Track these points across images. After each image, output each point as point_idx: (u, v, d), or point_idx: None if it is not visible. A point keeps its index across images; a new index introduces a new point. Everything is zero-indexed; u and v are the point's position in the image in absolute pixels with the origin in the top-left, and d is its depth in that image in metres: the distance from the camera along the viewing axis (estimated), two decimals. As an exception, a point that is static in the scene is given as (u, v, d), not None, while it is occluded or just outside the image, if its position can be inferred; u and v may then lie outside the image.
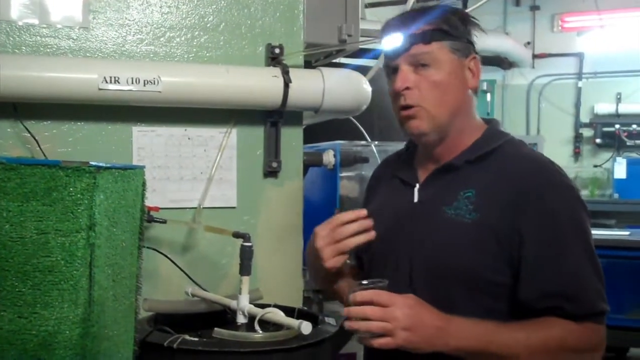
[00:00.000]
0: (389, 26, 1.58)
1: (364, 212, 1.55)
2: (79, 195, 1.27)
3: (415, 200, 1.59)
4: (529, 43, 8.50)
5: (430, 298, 1.43)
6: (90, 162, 1.28)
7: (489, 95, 8.26)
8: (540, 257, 1.43)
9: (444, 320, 1.39)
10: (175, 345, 1.61)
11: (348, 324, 1.39)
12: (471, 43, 1.57)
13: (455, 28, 1.53)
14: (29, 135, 1.99)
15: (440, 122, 1.52)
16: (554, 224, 1.43)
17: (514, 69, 8.44)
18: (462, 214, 1.48)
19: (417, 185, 1.60)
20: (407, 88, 1.52)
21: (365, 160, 2.63)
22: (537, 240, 1.43)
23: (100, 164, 1.30)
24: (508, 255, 1.44)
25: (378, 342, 1.36)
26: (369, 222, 1.54)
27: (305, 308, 2.06)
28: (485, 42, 7.46)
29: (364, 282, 1.43)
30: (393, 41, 1.54)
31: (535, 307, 1.43)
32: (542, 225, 1.43)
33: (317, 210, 2.60)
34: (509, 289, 1.46)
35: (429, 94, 1.51)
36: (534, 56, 8.47)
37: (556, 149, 7.98)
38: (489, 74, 8.28)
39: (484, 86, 8.15)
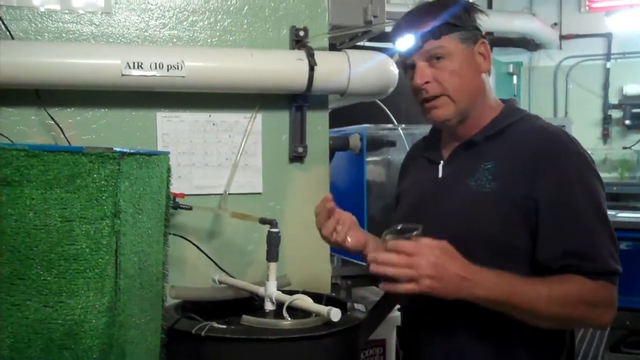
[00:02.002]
0: (400, 26, 1.70)
1: (327, 197, 1.74)
2: (103, 182, 1.25)
3: (440, 175, 1.71)
4: (555, 24, 8.36)
5: None
6: (114, 148, 1.26)
7: (515, 78, 8.17)
8: (555, 219, 1.52)
9: (469, 271, 1.45)
10: (203, 333, 1.59)
11: (374, 268, 1.45)
12: (477, 29, 1.67)
13: (460, 19, 1.64)
14: (52, 122, 1.97)
15: (461, 106, 1.65)
16: (566, 188, 1.53)
17: (541, 50, 8.31)
18: (482, 184, 1.59)
19: (442, 163, 1.72)
20: (427, 82, 1.64)
21: (392, 144, 2.58)
22: (551, 204, 1.52)
23: (124, 150, 1.28)
24: (526, 219, 1.54)
25: (402, 287, 1.42)
26: (331, 205, 1.72)
27: (334, 294, 2.03)
28: (512, 23, 7.37)
29: (398, 226, 1.48)
30: (406, 41, 1.66)
31: (552, 266, 1.52)
32: (555, 189, 1.53)
33: (343, 195, 2.56)
34: (528, 252, 1.55)
35: (448, 84, 1.63)
36: (561, 37, 8.34)
37: (584, 131, 7.87)
38: (515, 55, 8.17)
39: (510, 68, 8.05)
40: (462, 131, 1.69)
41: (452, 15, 1.63)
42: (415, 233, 1.45)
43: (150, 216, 1.42)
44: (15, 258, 1.21)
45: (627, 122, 8.02)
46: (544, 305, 1.47)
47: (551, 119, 7.84)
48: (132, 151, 1.31)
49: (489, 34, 7.47)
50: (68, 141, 1.96)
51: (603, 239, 1.53)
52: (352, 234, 1.76)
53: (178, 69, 1.95)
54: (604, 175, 7.70)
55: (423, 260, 1.41)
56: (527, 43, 7.98)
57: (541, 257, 1.54)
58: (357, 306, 1.85)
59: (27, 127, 1.97)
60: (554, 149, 1.56)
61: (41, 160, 1.22)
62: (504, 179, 1.57)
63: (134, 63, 1.91)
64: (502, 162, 1.59)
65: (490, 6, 8.08)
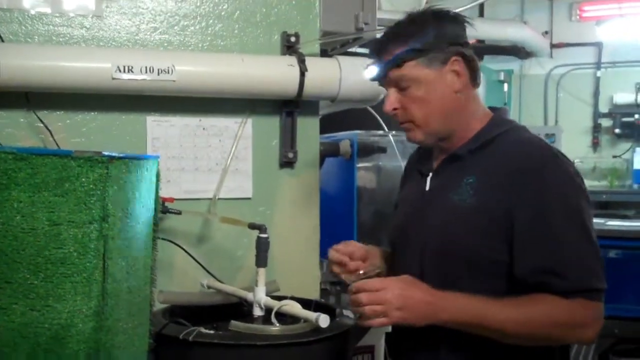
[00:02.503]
0: (369, 54, 1.72)
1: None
2: (91, 186, 1.24)
3: (427, 188, 1.69)
4: (547, 32, 8.39)
5: (437, 278, 1.55)
6: (103, 152, 1.25)
7: (506, 86, 8.17)
8: (531, 235, 1.49)
9: (434, 296, 1.49)
10: (190, 338, 1.59)
11: (351, 309, 1.55)
12: (454, 43, 1.60)
13: (425, 42, 1.58)
14: (42, 125, 1.96)
15: (432, 130, 1.63)
16: (542, 203, 1.49)
17: (532, 58, 8.32)
18: (463, 199, 1.57)
19: (430, 175, 1.70)
20: (395, 108, 1.63)
21: (383, 150, 2.58)
22: (526, 219, 1.49)
23: (113, 154, 1.27)
24: (504, 234, 1.51)
25: (376, 322, 1.49)
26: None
27: (323, 300, 2.03)
28: (503, 31, 7.37)
29: (361, 272, 1.63)
30: (371, 71, 1.67)
31: (528, 283, 1.49)
32: (531, 204, 1.49)
33: (333, 201, 2.56)
34: (507, 267, 1.52)
35: (415, 111, 1.61)
36: (552, 45, 8.36)
37: (574, 139, 7.89)
38: (506, 63, 8.19)
39: (501, 76, 8.07)
40: (449, 144, 1.66)
41: (415, 39, 1.58)
42: (377, 271, 1.62)
43: (138, 220, 1.42)
44: (2, 261, 1.20)
45: (617, 130, 8.03)
46: (513, 327, 1.47)
47: (541, 127, 7.88)
48: (121, 155, 1.30)
49: (480, 41, 7.50)
50: (57, 144, 1.95)
51: (579, 255, 1.49)
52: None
53: (169, 73, 1.94)
54: (594, 183, 7.74)
55: (389, 294, 1.48)
56: (518, 51, 7.99)
57: (517, 273, 1.51)
58: (346, 312, 1.84)
59: (15, 129, 1.96)
60: (534, 163, 1.52)
61: (29, 163, 1.21)
62: (484, 193, 1.54)
63: (124, 67, 1.90)
64: (483, 176, 1.57)
65: (481, 14, 8.10)
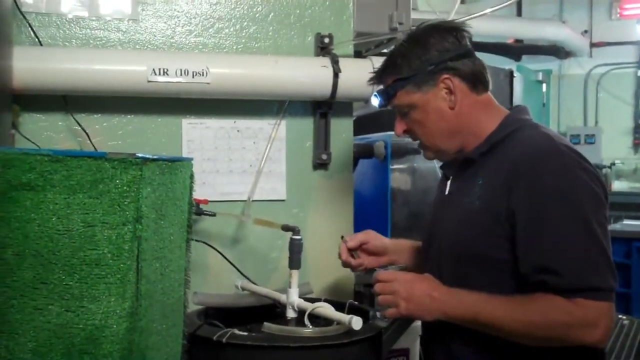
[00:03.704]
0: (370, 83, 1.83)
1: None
2: (125, 188, 1.24)
3: (447, 192, 1.74)
4: (586, 31, 8.27)
5: (453, 278, 1.60)
6: (137, 154, 1.26)
7: (544, 86, 8.07)
8: (530, 233, 1.49)
9: (438, 291, 1.57)
10: (224, 340, 1.59)
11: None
12: (439, 62, 1.62)
13: (409, 67, 1.64)
14: (79, 128, 1.99)
15: (439, 147, 1.69)
16: (540, 201, 1.48)
17: (571, 58, 8.22)
18: (473, 201, 1.60)
19: (450, 179, 1.75)
20: (404, 131, 1.72)
21: (417, 151, 2.56)
22: (525, 217, 1.50)
23: (147, 156, 1.28)
24: (508, 233, 1.52)
25: (387, 313, 1.61)
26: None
27: (356, 303, 2.02)
28: (541, 30, 7.30)
29: (388, 267, 1.73)
30: (374, 102, 1.76)
31: (530, 281, 1.49)
32: (531, 202, 1.49)
33: (367, 202, 2.55)
34: (512, 265, 1.53)
35: (419, 133, 1.69)
36: (592, 45, 8.25)
37: (615, 140, 7.77)
38: (544, 63, 8.09)
39: (540, 76, 7.97)
40: (465, 150, 1.68)
41: (399, 67, 1.65)
42: (392, 267, 1.72)
43: (172, 222, 1.42)
44: (38, 262, 1.21)
45: (659, 131, 7.90)
46: (511, 324, 1.48)
47: (581, 128, 7.77)
48: (154, 157, 1.31)
49: (518, 41, 7.42)
50: (94, 147, 1.98)
51: (581, 252, 1.45)
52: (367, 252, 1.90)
53: (203, 75, 1.96)
54: (635, 185, 7.60)
55: (396, 285, 1.59)
56: (557, 51, 7.90)
57: (521, 271, 1.51)
58: (380, 314, 1.83)
59: (54, 132, 2.00)
60: (532, 160, 1.51)
61: (64, 165, 1.22)
62: (488, 194, 1.56)
63: (159, 69, 1.92)
64: (490, 177, 1.58)
65: (519, 13, 8.02)
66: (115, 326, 1.24)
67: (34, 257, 1.21)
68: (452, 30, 1.65)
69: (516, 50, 7.48)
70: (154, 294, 1.35)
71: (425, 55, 1.63)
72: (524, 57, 7.59)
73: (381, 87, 1.73)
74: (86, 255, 1.22)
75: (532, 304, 1.47)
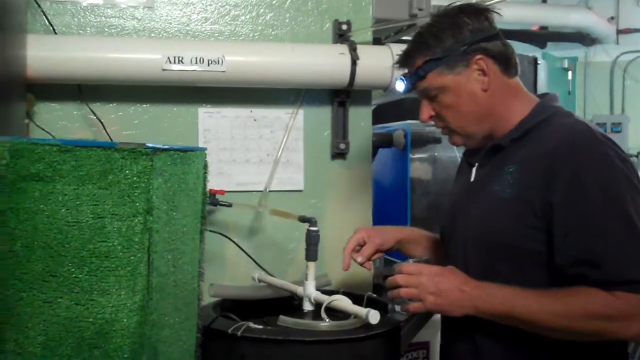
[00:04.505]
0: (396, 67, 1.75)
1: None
2: (135, 178, 1.22)
3: (472, 179, 1.68)
4: (612, 18, 8.11)
5: (479, 268, 1.55)
6: (147, 144, 1.23)
7: (570, 74, 7.93)
8: (568, 224, 1.44)
9: (468, 285, 1.49)
10: (239, 333, 1.57)
11: (388, 294, 1.57)
12: (472, 43, 1.57)
13: (442, 47, 1.58)
14: (94, 117, 1.97)
15: (469, 132, 1.63)
16: (581, 191, 1.44)
17: (597, 45, 8.07)
18: (504, 189, 1.54)
19: (476, 166, 1.69)
20: (431, 117, 1.65)
21: (437, 141, 2.52)
22: (565, 208, 1.44)
23: (158, 146, 1.25)
24: (544, 224, 1.47)
25: (411, 307, 1.53)
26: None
27: (375, 295, 1.98)
28: (567, 17, 7.16)
29: (410, 260, 1.64)
30: (399, 87, 1.69)
31: (567, 274, 1.44)
32: (570, 193, 1.44)
33: (387, 192, 2.51)
34: (546, 256, 1.48)
35: (448, 117, 1.62)
36: (618, 32, 8.08)
37: (642, 128, 7.62)
38: (570, 50, 7.95)
39: (565, 64, 7.84)
40: (493, 136, 1.63)
41: (433, 49, 1.58)
42: (415, 259, 1.64)
43: (185, 213, 1.40)
44: (48, 255, 1.19)
45: (687, 119, 7.74)
46: (548, 318, 1.43)
47: (607, 116, 7.64)
48: (165, 147, 1.28)
49: (543, 28, 7.30)
50: (109, 136, 1.96)
51: (621, 244, 1.40)
52: (370, 247, 1.81)
53: (219, 63, 1.93)
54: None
55: (423, 278, 1.50)
56: (583, 38, 7.76)
57: (557, 264, 1.46)
58: (398, 308, 1.80)
59: (69, 122, 1.98)
60: (571, 149, 1.46)
61: (74, 155, 1.19)
62: (522, 183, 1.51)
63: (174, 58, 1.89)
64: (523, 165, 1.53)
65: (544, 0, 7.90)
66: (125, 320, 1.21)
67: (43, 249, 1.19)
68: (483, 11, 1.61)
69: (541, 37, 7.36)
70: (166, 287, 1.33)
71: (458, 34, 1.58)
72: (549, 44, 7.47)
73: (404, 71, 1.67)
74: (96, 248, 1.20)
75: (572, 297, 1.42)
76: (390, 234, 1.85)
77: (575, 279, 1.42)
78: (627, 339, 1.43)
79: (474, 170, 1.68)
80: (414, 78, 1.62)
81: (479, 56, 1.57)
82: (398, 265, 1.58)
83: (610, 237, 1.41)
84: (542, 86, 4.00)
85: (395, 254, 2.42)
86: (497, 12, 1.61)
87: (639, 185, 1.47)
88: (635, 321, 1.40)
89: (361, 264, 1.80)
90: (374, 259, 1.84)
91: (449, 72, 1.58)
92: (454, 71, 1.58)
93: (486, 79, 1.58)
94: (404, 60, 1.66)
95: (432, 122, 1.68)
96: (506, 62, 1.60)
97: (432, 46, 1.58)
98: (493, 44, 1.58)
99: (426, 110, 1.64)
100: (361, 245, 1.81)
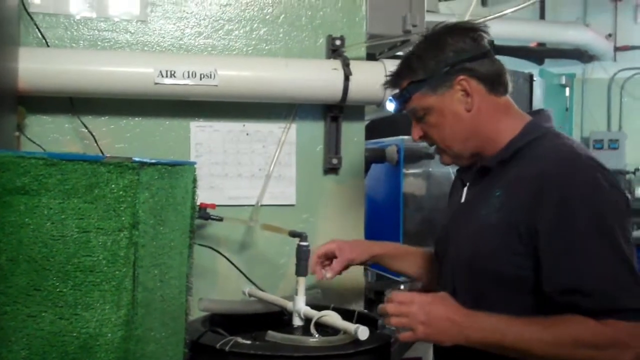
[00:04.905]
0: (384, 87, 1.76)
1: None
2: (121, 193, 1.21)
3: (462, 200, 1.68)
4: (610, 35, 8.14)
5: (467, 292, 1.54)
6: (134, 158, 1.22)
7: (567, 90, 7.95)
8: (555, 251, 1.42)
9: (459, 314, 1.46)
10: (227, 348, 1.55)
11: (384, 321, 1.54)
12: (454, 64, 1.57)
13: (424, 69, 1.59)
14: (86, 130, 1.97)
15: (455, 151, 1.63)
16: (567, 218, 1.42)
17: (595, 62, 8.09)
18: (490, 214, 1.53)
19: (467, 186, 1.68)
20: (420, 137, 1.67)
21: (430, 156, 2.50)
22: (552, 235, 1.43)
23: (145, 160, 1.25)
24: (529, 250, 1.46)
25: (402, 336, 1.49)
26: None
27: (366, 311, 1.97)
28: (564, 34, 7.17)
29: (401, 286, 1.65)
30: (389, 107, 1.74)
31: (557, 301, 1.43)
32: (556, 219, 1.42)
33: (380, 207, 2.50)
34: (532, 283, 1.47)
35: (435, 137, 1.64)
36: (616, 49, 8.09)
37: (639, 145, 7.62)
38: (567, 67, 7.97)
39: (563, 80, 7.86)
40: (483, 156, 1.62)
41: (415, 70, 1.60)
42: (407, 286, 1.67)
43: (173, 227, 1.39)
44: (32, 268, 1.18)
45: (685, 136, 7.74)
46: (539, 347, 1.40)
47: (604, 133, 7.64)
48: (152, 161, 1.28)
49: (541, 44, 7.33)
50: (101, 150, 1.96)
51: (609, 272, 1.39)
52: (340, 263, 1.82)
53: (211, 77, 1.93)
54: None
55: (414, 308, 1.46)
56: (581, 55, 7.77)
57: (545, 290, 1.44)
58: (394, 336, 1.79)
59: (60, 134, 1.98)
60: (559, 174, 1.44)
61: (59, 169, 1.19)
62: (508, 208, 1.49)
63: (166, 71, 1.90)
64: (509, 189, 1.51)
65: (542, 16, 7.92)
66: (110, 334, 1.21)
67: (27, 263, 1.19)
68: (469, 31, 1.60)
69: (538, 53, 7.38)
70: (152, 302, 1.32)
71: (440, 56, 1.58)
72: (547, 60, 7.49)
73: (396, 91, 1.67)
74: (80, 262, 1.19)
75: (561, 326, 1.40)
76: (364, 248, 1.86)
77: (564, 307, 1.40)
78: None
79: (465, 190, 1.68)
80: (401, 100, 1.64)
81: (461, 77, 1.56)
82: (390, 292, 1.56)
83: (599, 264, 1.40)
84: (538, 103, 4.00)
85: (383, 269, 2.42)
86: (484, 31, 1.60)
87: (625, 209, 1.46)
88: (626, 349, 1.38)
89: (329, 279, 1.82)
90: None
91: (432, 94, 1.58)
92: (437, 92, 1.58)
93: (469, 99, 1.57)
94: (392, 81, 1.68)
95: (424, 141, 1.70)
96: (493, 82, 1.58)
97: (415, 68, 1.60)
98: (478, 64, 1.57)
99: (416, 130, 1.66)
100: (330, 258, 1.82)
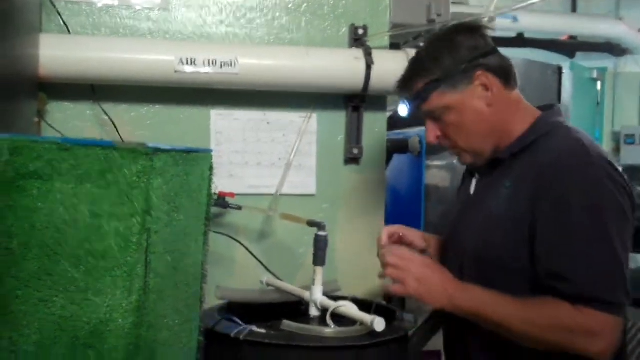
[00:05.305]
0: (396, 92, 1.76)
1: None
2: (134, 178, 1.20)
3: (472, 192, 1.69)
4: (643, 29, 7.99)
5: (474, 281, 1.55)
6: (148, 144, 1.22)
7: (599, 84, 7.83)
8: (547, 240, 1.45)
9: (452, 283, 1.54)
10: (242, 337, 1.55)
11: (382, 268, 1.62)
12: (471, 60, 1.57)
13: (441, 67, 1.57)
14: (107, 118, 1.97)
15: (476, 148, 1.62)
16: (564, 210, 1.44)
17: (627, 56, 7.94)
18: (499, 205, 1.55)
19: (476, 178, 1.70)
20: (437, 137, 1.64)
21: (454, 148, 2.48)
22: (546, 225, 1.45)
23: (159, 146, 1.24)
24: (530, 241, 1.48)
25: (393, 288, 1.57)
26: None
27: (384, 302, 1.95)
28: (596, 27, 7.07)
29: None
30: (402, 111, 1.74)
31: (543, 286, 1.46)
32: (554, 212, 1.45)
33: (401, 199, 2.48)
34: (534, 274, 1.49)
35: (455, 137, 1.62)
36: (649, 42, 7.95)
37: (672, 141, 7.47)
38: (599, 61, 7.85)
39: (594, 74, 7.74)
40: (496, 149, 1.63)
41: (431, 68, 1.58)
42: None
43: (187, 215, 1.38)
44: (44, 253, 1.18)
45: None
46: (515, 322, 1.45)
47: (636, 127, 7.51)
48: (167, 148, 1.27)
49: (572, 38, 7.22)
50: (121, 137, 1.96)
51: (595, 263, 1.41)
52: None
53: (232, 66, 1.91)
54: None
55: (412, 266, 1.55)
56: (612, 48, 7.64)
57: (537, 276, 1.48)
58: (407, 316, 1.77)
59: (81, 121, 1.98)
60: (562, 170, 1.46)
61: (73, 154, 1.18)
62: (515, 200, 1.51)
63: (187, 59, 1.89)
64: (517, 181, 1.53)
65: (574, 9, 7.81)
66: (120, 320, 1.20)
67: (39, 248, 1.18)
68: (477, 29, 1.62)
69: (570, 46, 7.27)
70: (166, 288, 1.31)
71: (455, 54, 1.58)
72: (579, 54, 7.38)
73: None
74: (92, 247, 1.19)
75: (538, 306, 1.44)
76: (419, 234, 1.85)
77: (547, 291, 1.44)
78: (595, 355, 1.42)
79: (474, 181, 1.69)
80: (417, 101, 1.62)
81: (479, 72, 1.57)
82: (396, 247, 1.66)
83: (584, 255, 1.42)
84: (567, 96, 3.94)
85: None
86: (489, 28, 1.62)
87: (628, 207, 1.46)
88: (598, 339, 1.40)
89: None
90: None
91: (452, 91, 1.57)
92: (457, 90, 1.57)
93: (490, 94, 1.57)
94: (402, 86, 1.66)
95: (438, 143, 1.67)
96: (506, 76, 1.60)
97: (430, 68, 1.59)
98: (491, 59, 1.58)
99: (432, 131, 1.64)
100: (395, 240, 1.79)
